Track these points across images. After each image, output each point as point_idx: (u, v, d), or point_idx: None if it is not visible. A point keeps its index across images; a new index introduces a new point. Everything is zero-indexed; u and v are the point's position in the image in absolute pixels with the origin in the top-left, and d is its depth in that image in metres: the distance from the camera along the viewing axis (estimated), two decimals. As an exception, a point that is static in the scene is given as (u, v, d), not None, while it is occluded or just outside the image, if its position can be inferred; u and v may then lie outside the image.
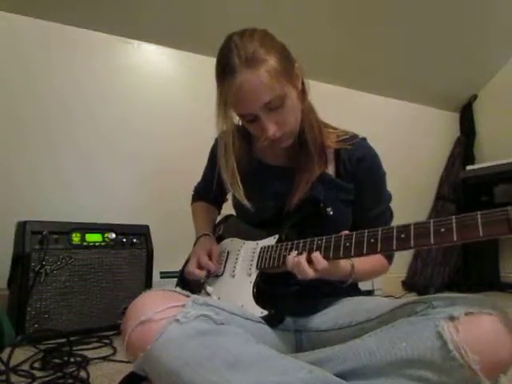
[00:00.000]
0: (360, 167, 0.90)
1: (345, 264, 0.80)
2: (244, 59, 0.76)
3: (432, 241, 0.61)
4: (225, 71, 0.78)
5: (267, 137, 0.82)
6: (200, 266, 0.94)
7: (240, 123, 0.93)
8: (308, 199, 0.87)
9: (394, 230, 0.67)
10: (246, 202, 0.91)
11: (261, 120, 0.81)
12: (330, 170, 0.92)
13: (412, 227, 0.65)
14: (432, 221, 0.62)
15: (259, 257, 0.88)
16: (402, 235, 0.65)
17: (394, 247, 0.66)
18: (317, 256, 0.73)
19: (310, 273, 0.73)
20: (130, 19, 1.89)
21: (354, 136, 0.94)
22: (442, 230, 0.60)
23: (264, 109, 0.79)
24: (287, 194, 0.90)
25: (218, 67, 0.82)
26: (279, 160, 0.97)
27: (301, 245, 0.79)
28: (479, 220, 0.57)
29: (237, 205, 1.03)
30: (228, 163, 0.92)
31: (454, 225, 0.59)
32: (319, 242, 0.77)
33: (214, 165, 1.09)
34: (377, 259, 0.91)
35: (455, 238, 0.59)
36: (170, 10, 1.87)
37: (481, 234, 0.56)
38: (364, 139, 0.95)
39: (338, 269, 0.79)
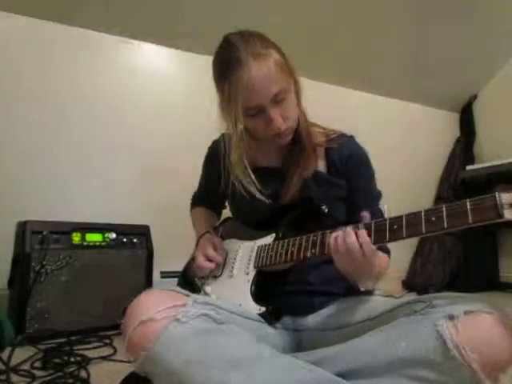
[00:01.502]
0: (349, 165, 0.92)
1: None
2: (251, 53, 0.78)
3: (423, 229, 0.62)
4: (231, 64, 0.79)
5: (274, 129, 0.83)
6: (208, 259, 0.94)
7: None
8: (302, 198, 0.88)
9: (387, 222, 0.68)
10: (259, 195, 0.90)
11: (267, 112, 0.81)
12: (321, 167, 0.93)
13: (404, 218, 0.66)
14: (423, 210, 0.64)
15: (257, 255, 0.88)
16: (395, 226, 0.67)
17: (387, 238, 0.67)
18: (363, 232, 0.70)
19: (357, 246, 0.68)
20: (130, 19, 1.89)
21: (342, 135, 0.96)
22: (433, 218, 0.62)
23: (271, 101, 0.80)
24: (277, 193, 0.91)
25: (220, 63, 0.83)
26: (272, 161, 0.97)
27: (297, 242, 0.80)
28: (468, 207, 0.58)
29: (234, 207, 1.04)
30: (241, 160, 0.90)
31: (444, 213, 0.61)
32: (314, 237, 0.77)
33: (210, 171, 1.09)
34: (381, 255, 0.89)
35: (446, 225, 0.60)
36: (170, 10, 1.87)
37: (470, 220, 0.57)
38: (352, 137, 0.96)
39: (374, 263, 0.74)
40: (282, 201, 0.90)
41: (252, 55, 0.78)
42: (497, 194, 0.55)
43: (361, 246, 0.69)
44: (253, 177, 0.91)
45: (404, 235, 0.65)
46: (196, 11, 1.91)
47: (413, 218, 0.64)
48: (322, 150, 0.93)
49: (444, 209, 0.61)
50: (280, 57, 0.82)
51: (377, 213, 0.93)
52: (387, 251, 0.92)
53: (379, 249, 0.88)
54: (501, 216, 0.54)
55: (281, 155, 0.96)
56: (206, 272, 0.95)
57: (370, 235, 0.69)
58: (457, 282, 2.47)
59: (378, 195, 0.97)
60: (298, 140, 0.92)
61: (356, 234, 0.70)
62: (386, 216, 0.71)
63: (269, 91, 0.79)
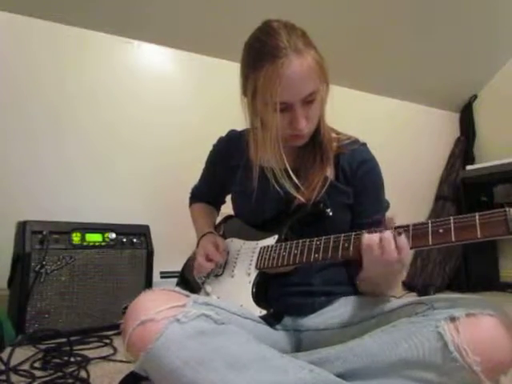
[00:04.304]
0: (358, 173, 0.90)
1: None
2: (293, 45, 0.75)
3: (430, 242, 0.62)
4: (271, 53, 0.75)
5: (296, 130, 0.81)
6: (209, 259, 0.93)
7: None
8: (309, 199, 0.87)
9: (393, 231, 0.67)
10: (295, 192, 0.85)
11: (295, 112, 0.79)
12: (329, 172, 0.91)
13: (411, 228, 0.65)
14: (430, 221, 0.63)
15: (259, 257, 0.88)
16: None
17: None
18: (403, 238, 0.66)
19: (395, 252, 0.65)
20: (130, 19, 1.89)
21: (355, 141, 0.93)
22: (441, 230, 0.61)
23: (302, 100, 0.78)
24: (288, 195, 0.89)
25: (257, 49, 0.78)
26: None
27: (300, 245, 0.80)
28: (477, 221, 0.57)
29: (238, 206, 1.03)
30: (278, 154, 0.84)
31: (452, 226, 0.60)
32: (318, 242, 0.77)
33: (215, 167, 1.09)
34: None
35: (453, 239, 0.59)
36: (170, 9, 1.87)
37: (479, 235, 0.57)
38: (364, 145, 0.94)
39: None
40: (302, 202, 0.86)
41: (295, 49, 0.75)
42: (507, 209, 0.54)
43: (399, 252, 0.66)
44: (291, 173, 0.86)
45: (410, 246, 0.64)
46: (196, 11, 1.91)
47: (419, 229, 0.63)
48: (332, 155, 0.91)
49: (452, 221, 0.60)
50: (319, 57, 0.79)
51: (380, 223, 0.90)
52: None
53: None
54: (511, 232, 0.53)
55: (290, 158, 0.92)
56: (205, 272, 0.95)
57: None
58: (457, 281, 2.47)
59: (385, 207, 0.95)
60: (318, 144, 0.89)
61: (395, 239, 0.66)
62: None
63: (304, 90, 0.76)
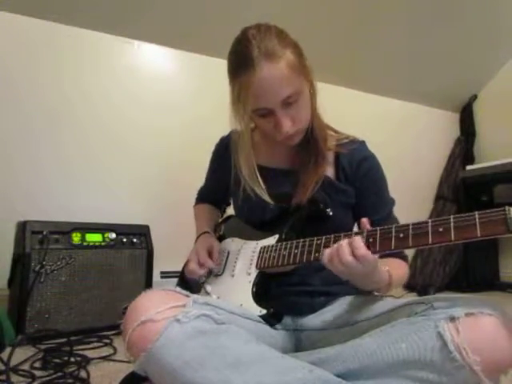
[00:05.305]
0: (359, 172, 0.90)
1: (383, 270, 0.75)
2: (264, 52, 0.76)
3: (430, 240, 0.62)
4: (243, 64, 0.77)
5: (281, 133, 0.82)
6: (200, 264, 0.94)
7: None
8: (308, 199, 0.87)
9: (393, 230, 0.67)
10: (266, 197, 0.89)
11: (276, 115, 0.80)
12: (330, 172, 0.92)
13: (410, 227, 0.65)
14: (430, 220, 0.63)
15: (259, 256, 0.88)
16: (401, 235, 0.66)
17: (393, 247, 0.67)
18: (357, 240, 0.67)
19: (349, 258, 0.66)
20: (130, 19, 1.89)
21: (354, 140, 0.94)
22: (440, 229, 0.61)
23: (282, 104, 0.79)
24: (288, 195, 0.90)
25: (234, 60, 0.82)
26: (280, 163, 0.96)
27: (300, 244, 0.80)
28: (477, 220, 0.57)
29: (238, 206, 1.03)
30: (248, 159, 0.90)
31: (451, 224, 0.60)
32: (318, 241, 0.77)
33: (216, 167, 1.09)
34: (399, 263, 0.88)
35: (453, 238, 0.59)
36: (170, 9, 1.87)
37: (478, 233, 0.57)
38: (363, 143, 0.95)
39: (375, 271, 0.72)
40: (296, 202, 0.88)
41: (265, 55, 0.76)
42: (507, 207, 0.54)
43: (356, 257, 0.66)
44: (259, 177, 0.89)
45: (410, 245, 0.64)
46: (196, 11, 1.91)
47: (419, 228, 0.63)
48: (331, 154, 0.92)
49: (452, 220, 0.60)
50: (295, 57, 0.79)
51: (388, 219, 0.90)
52: (404, 257, 0.90)
53: (396, 255, 0.87)
54: (510, 231, 0.53)
55: (289, 157, 0.95)
56: (197, 276, 0.95)
57: (375, 242, 0.68)
58: (457, 281, 2.47)
59: (390, 202, 0.95)
60: (312, 142, 0.90)
61: (351, 245, 0.67)
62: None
63: (278, 95, 0.77)
